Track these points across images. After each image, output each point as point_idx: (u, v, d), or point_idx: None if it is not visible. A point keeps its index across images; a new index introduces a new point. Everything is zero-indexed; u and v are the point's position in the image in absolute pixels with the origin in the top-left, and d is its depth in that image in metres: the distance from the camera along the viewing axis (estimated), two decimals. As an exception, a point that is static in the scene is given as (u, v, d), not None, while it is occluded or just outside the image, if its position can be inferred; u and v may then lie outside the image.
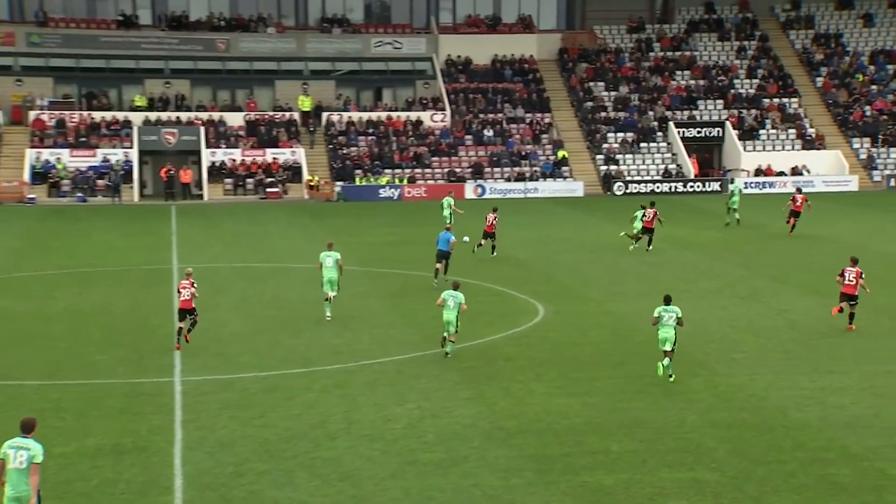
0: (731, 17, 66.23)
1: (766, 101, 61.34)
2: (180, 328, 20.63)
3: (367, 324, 23.21)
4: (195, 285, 20.96)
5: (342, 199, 53.32)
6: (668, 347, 18.57)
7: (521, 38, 63.85)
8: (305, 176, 54.54)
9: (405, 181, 55.87)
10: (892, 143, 58.99)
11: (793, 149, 58.62)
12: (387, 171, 56.43)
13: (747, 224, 41.47)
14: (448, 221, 36.01)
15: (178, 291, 20.81)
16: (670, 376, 18.65)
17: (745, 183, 55.78)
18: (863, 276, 22.82)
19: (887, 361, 19.32)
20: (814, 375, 18.52)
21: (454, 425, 16.25)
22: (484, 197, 55.12)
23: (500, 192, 55.58)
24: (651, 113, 60.92)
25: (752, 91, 62.05)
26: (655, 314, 18.82)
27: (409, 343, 21.50)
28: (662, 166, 57.82)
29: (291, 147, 56.30)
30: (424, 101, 61.22)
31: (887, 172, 57.06)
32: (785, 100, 61.48)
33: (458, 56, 63.10)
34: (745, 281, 28.42)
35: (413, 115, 60.03)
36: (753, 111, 60.60)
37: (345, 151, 56.91)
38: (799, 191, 38.96)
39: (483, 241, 33.31)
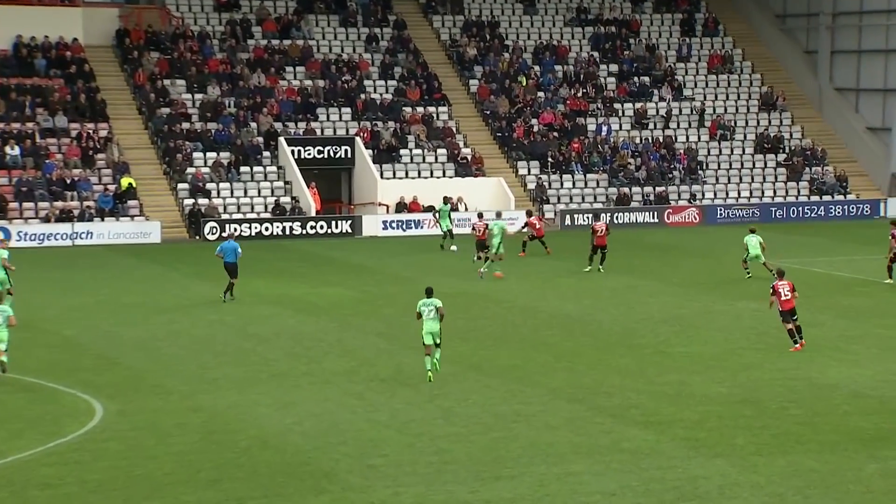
0: (358, -4, 69.20)
1: (408, 110, 64.60)
2: None
3: None
4: None
5: None
6: (434, 341, 26.14)
7: (59, 13, 62.52)
8: None
9: None
10: (564, 168, 64.36)
11: (444, 175, 62.08)
12: None
13: (387, 279, 43.16)
14: (447, 226, 47.76)
15: None
16: (430, 370, 26.12)
17: (384, 223, 58.20)
18: (795, 289, 29.46)
19: (565, 460, 20.80)
20: (475, 483, 19.51)
21: None
22: (12, 245, 52.95)
23: (35, 237, 53.76)
24: (254, 125, 61.91)
25: (388, 96, 65.10)
26: (417, 309, 26.25)
27: None
28: (272, 199, 58.85)
29: None
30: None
31: (561, 207, 62.06)
32: (431, 109, 65.11)
33: (-38, 36, 60.47)
34: (386, 357, 29.47)
35: None
36: (391, 124, 63.56)
37: None
38: (530, 213, 48.87)
39: (481, 254, 43.94)
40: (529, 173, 63.61)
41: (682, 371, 27.59)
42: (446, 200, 52.82)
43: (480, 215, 47.65)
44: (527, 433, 22.35)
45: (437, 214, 53.21)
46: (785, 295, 29.26)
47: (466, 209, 59.84)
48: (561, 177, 63.60)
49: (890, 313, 35.08)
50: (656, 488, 19.16)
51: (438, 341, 26.16)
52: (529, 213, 49.11)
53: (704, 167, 65.63)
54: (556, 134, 65.13)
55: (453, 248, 48.85)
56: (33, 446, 21.60)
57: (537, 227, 48.22)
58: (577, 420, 23.27)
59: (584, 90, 67.81)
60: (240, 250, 37.92)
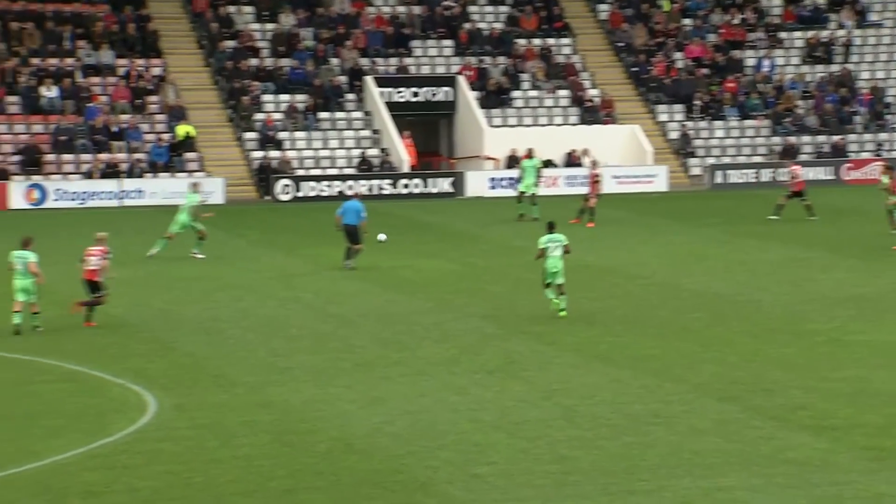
0: None
1: (522, 42, 64.43)
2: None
3: None
4: (109, 255, 31.13)
5: None
6: (560, 280, 30.92)
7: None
8: None
9: None
10: (716, 113, 63.75)
11: (566, 122, 61.89)
12: None
13: (495, 249, 43.18)
14: (531, 188, 49.01)
15: (83, 259, 30.79)
16: (562, 310, 31.00)
17: (492, 180, 58.17)
18: None
19: (715, 471, 20.59)
20: (603, 498, 19.43)
21: None
22: (43, 206, 54.00)
23: (75, 197, 54.70)
24: (335, 62, 62.21)
25: (498, 26, 64.97)
26: (541, 245, 30.83)
27: None
28: (357, 152, 59.14)
29: None
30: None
31: (711, 161, 61.54)
32: (551, 41, 64.87)
33: (-16, -47, 61.68)
34: (493, 343, 29.51)
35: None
36: (502, 60, 63.45)
37: None
38: (595, 164, 50.08)
39: (783, 201, 47.21)
40: (672, 120, 63.17)
41: (863, 364, 27.27)
42: (531, 154, 52.04)
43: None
44: (667, 438, 22.28)
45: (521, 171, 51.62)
46: None
47: (594, 165, 59.57)
48: (711, 124, 63.03)
49: None
50: (829, 508, 19.03)
51: (563, 280, 30.90)
52: (595, 164, 50.00)
53: (894, 111, 64.58)
54: (705, 71, 64.55)
55: (381, 236, 40.23)
56: (74, 446, 21.85)
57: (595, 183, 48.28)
58: (729, 423, 23.14)
59: (742, 16, 67.07)
60: (364, 213, 38.39)
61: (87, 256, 30.93)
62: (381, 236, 39.56)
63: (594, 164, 50.45)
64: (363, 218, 38.33)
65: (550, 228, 31.19)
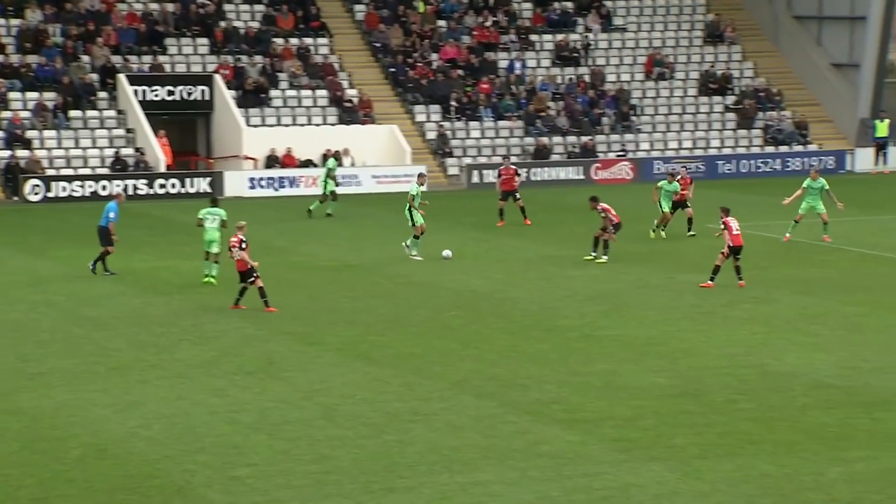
0: None
1: (279, 41, 64.23)
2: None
3: None
4: (244, 244, 32.13)
5: None
6: (214, 249, 35.19)
7: None
8: None
9: None
10: (471, 114, 64.50)
11: (325, 121, 61.90)
12: None
13: (255, 249, 43.01)
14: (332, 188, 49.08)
15: (230, 249, 32.30)
16: (213, 277, 35.39)
17: (251, 180, 57.92)
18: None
19: (472, 467, 20.90)
20: (364, 496, 19.53)
21: None
22: None
23: None
24: (86, 59, 61.11)
25: (254, 25, 64.64)
26: (200, 216, 35.53)
27: None
28: (111, 152, 58.22)
29: None
30: None
31: (468, 161, 62.24)
32: (308, 40, 64.80)
33: None
34: (254, 344, 29.45)
35: None
36: (259, 59, 63.14)
37: None
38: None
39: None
40: (429, 120, 63.67)
41: (612, 359, 27.91)
42: (337, 156, 52.82)
43: None
44: (426, 435, 22.50)
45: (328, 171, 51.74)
46: (737, 230, 34.03)
47: (353, 164, 59.73)
48: (467, 125, 63.73)
49: (858, 287, 35.79)
50: (581, 499, 19.39)
51: (217, 250, 35.12)
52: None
53: (639, 112, 66.20)
54: (460, 72, 65.21)
55: (446, 252, 40.08)
56: None
57: None
58: (486, 419, 23.47)
59: (495, 18, 67.94)
60: (111, 213, 37.44)
61: (230, 248, 32.49)
62: (447, 252, 39.34)
63: (507, 159, 49.98)
64: (111, 218, 37.60)
65: (213, 203, 36.29)
